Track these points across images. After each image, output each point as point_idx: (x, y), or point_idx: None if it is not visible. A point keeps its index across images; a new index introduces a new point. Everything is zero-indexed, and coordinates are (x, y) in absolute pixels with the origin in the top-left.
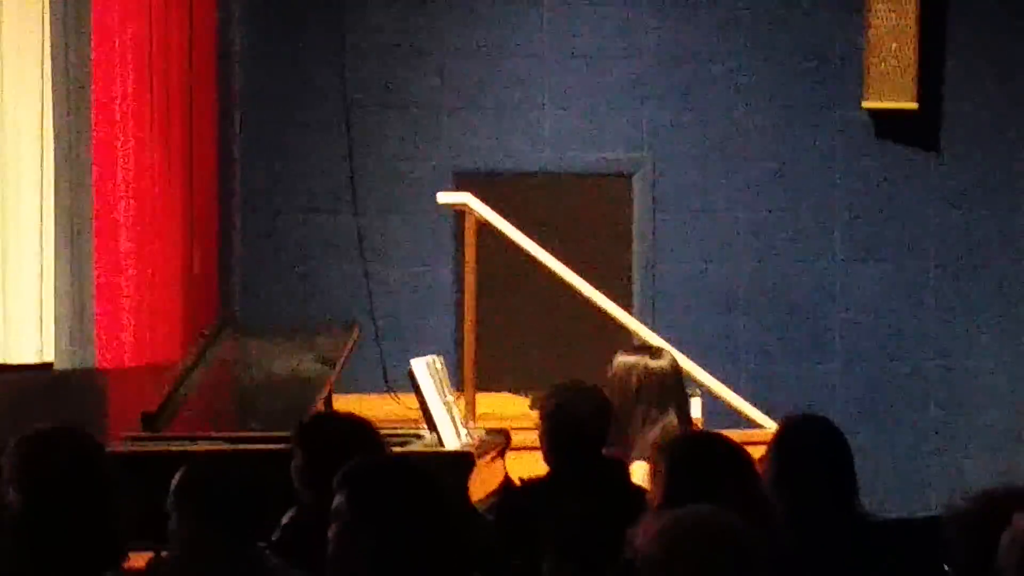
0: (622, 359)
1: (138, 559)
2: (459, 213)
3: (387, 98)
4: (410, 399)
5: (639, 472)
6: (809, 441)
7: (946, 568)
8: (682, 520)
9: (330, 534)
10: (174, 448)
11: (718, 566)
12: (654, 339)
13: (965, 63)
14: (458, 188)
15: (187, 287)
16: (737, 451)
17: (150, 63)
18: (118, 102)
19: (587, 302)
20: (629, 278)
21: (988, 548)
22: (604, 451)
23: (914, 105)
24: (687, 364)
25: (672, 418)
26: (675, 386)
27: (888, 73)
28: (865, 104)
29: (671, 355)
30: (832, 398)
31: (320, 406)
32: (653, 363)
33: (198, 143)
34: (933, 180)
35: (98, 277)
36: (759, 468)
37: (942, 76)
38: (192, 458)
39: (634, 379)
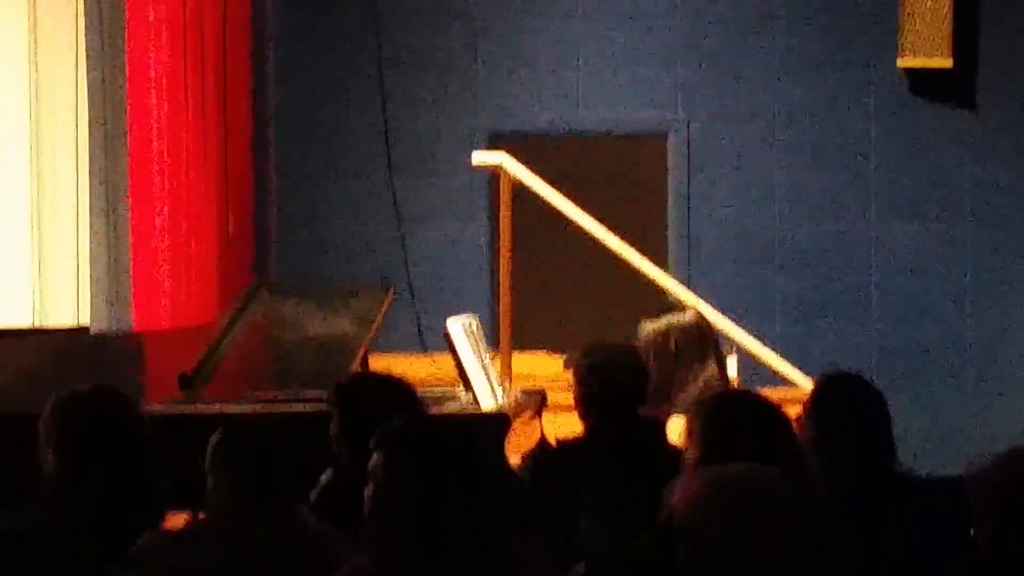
0: (651, 326)
1: (176, 520)
2: (494, 174)
3: (421, 59)
4: (446, 360)
5: (677, 427)
6: (846, 400)
7: (972, 532)
8: (720, 478)
9: (367, 494)
10: (211, 410)
11: (758, 523)
12: (688, 297)
13: (1000, 20)
14: (493, 148)
15: (222, 249)
16: (773, 409)
17: (184, 28)
18: (153, 66)
19: (622, 262)
20: (664, 238)
21: (1020, 509)
22: (643, 411)
23: (949, 63)
24: (723, 323)
25: (712, 369)
26: (707, 336)
27: (923, 31)
28: (900, 62)
29: (693, 308)
30: (868, 356)
31: (356, 367)
32: (683, 319)
33: (232, 106)
34: (968, 137)
35: (134, 240)
36: (796, 427)
37: (977, 33)
38: (229, 420)
39: (672, 340)
